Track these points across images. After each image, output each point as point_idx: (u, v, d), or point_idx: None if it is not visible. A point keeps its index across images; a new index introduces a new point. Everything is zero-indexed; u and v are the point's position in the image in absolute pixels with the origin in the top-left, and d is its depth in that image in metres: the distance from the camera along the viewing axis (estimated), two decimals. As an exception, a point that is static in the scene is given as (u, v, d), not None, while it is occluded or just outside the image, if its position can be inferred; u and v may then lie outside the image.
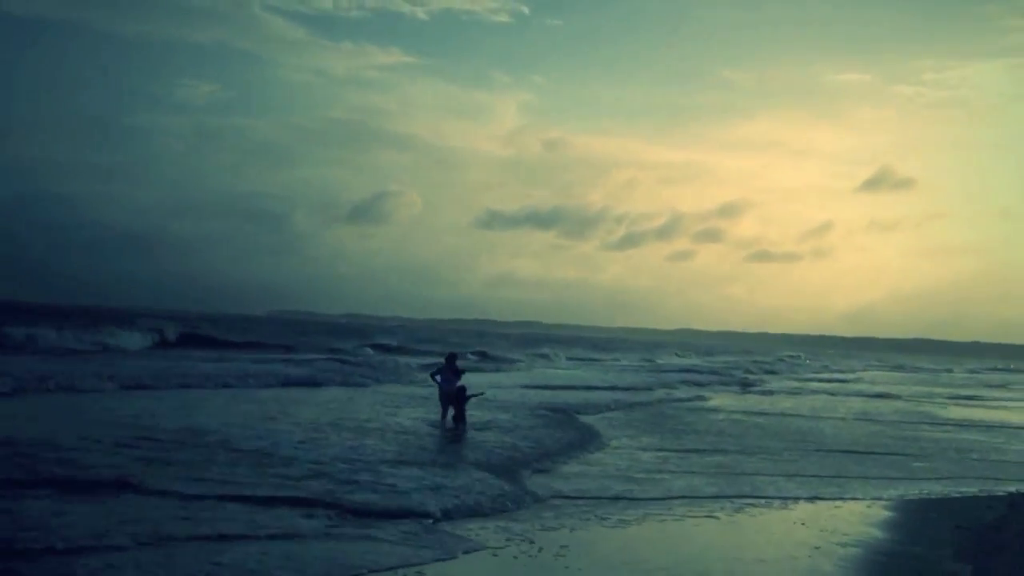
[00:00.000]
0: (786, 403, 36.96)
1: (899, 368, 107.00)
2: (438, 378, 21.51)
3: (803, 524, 12.21)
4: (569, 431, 21.54)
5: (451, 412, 20.81)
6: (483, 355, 63.95)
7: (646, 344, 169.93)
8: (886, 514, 13.33)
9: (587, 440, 20.21)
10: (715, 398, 37.86)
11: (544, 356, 71.56)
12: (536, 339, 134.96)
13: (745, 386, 48.25)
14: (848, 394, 46.08)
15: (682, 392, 39.91)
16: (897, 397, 45.62)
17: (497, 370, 50.59)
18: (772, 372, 69.52)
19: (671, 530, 11.58)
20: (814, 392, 46.22)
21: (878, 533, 11.86)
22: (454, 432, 19.68)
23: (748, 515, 12.74)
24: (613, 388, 38.69)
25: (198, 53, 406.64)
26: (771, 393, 43.66)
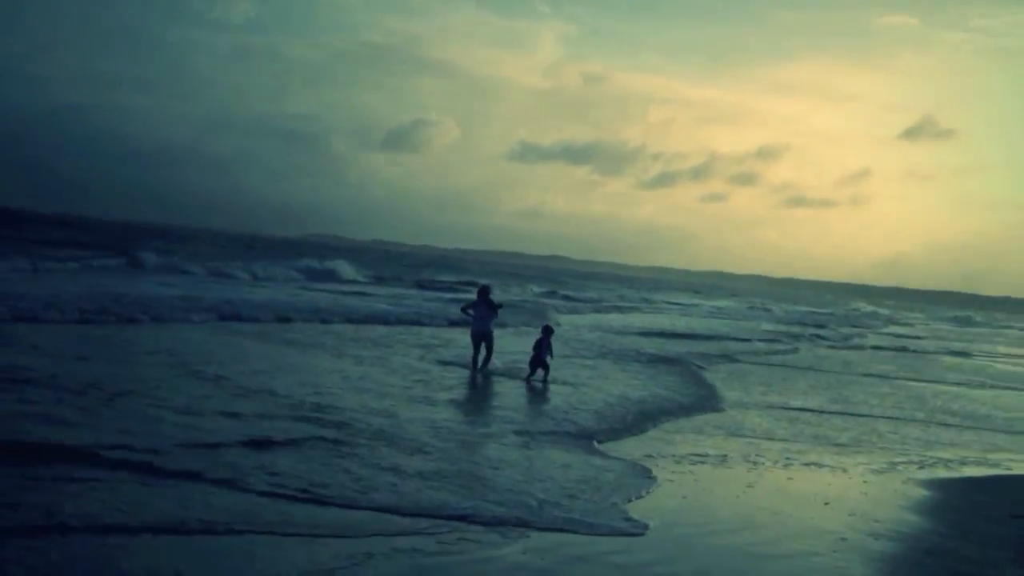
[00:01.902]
0: (887, 365, 33.67)
1: (960, 322, 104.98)
2: (471, 312, 19.11)
3: (827, 504, 10.25)
4: (690, 387, 19.70)
5: (486, 356, 18.69)
6: (553, 293, 63.08)
7: (699, 287, 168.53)
8: (925, 494, 11.35)
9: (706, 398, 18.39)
10: (808, 351, 36.17)
11: (639, 299, 71.27)
12: (598, 277, 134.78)
13: (840, 340, 45.98)
14: (926, 351, 43.75)
15: (780, 345, 37.52)
16: (966, 355, 44.15)
17: (575, 311, 48.25)
18: (855, 326, 65.92)
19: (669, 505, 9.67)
20: (894, 349, 43.35)
21: (918, 521, 9.89)
22: (540, 384, 17.50)
23: (776, 492, 10.80)
24: (716, 338, 36.66)
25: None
26: (863, 348, 41.89)
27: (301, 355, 18.35)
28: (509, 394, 16.23)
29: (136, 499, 7.71)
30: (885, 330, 65.50)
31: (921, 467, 13.10)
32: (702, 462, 11.92)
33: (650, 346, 28.86)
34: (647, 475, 10.77)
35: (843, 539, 8.83)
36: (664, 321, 46.96)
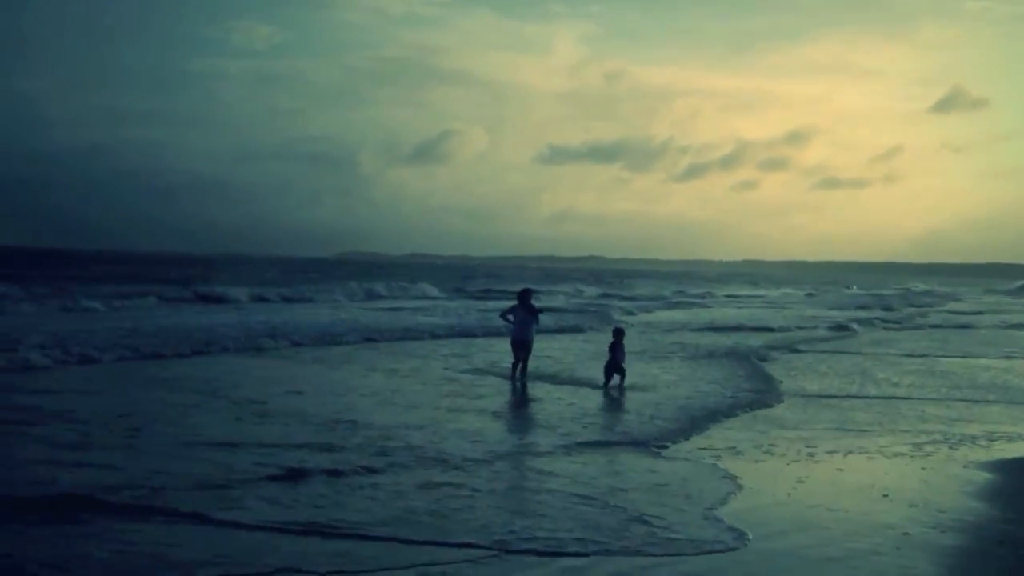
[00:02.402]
0: (952, 344, 32.10)
1: (1014, 294, 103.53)
2: (510, 317, 18.31)
3: (886, 496, 9.74)
4: (750, 381, 19.08)
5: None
6: (607, 295, 64.12)
7: (747, 276, 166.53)
8: (987, 477, 10.81)
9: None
10: (872, 335, 35.48)
11: (703, 294, 73.52)
12: (641, 274, 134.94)
13: (905, 321, 45.10)
14: (995, 327, 42.75)
15: (843, 331, 36.48)
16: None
17: (638, 310, 47.94)
18: (916, 306, 64.07)
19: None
20: (960, 327, 42.25)
21: (984, 508, 9.35)
22: (615, 391, 16.83)
23: (831, 485, 10.30)
24: (777, 328, 35.83)
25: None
26: (923, 328, 40.96)
27: (365, 376, 18.20)
28: (554, 401, 15.66)
29: (162, 547, 7.39)
30: (946, 308, 64.12)
31: (970, 447, 12.55)
32: (766, 457, 11.46)
33: (711, 340, 28.73)
34: (724, 476, 10.35)
35: (906, 534, 8.33)
36: (725, 314, 47.07)
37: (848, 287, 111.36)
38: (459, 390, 16.43)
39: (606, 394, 16.70)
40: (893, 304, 63.30)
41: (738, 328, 35.48)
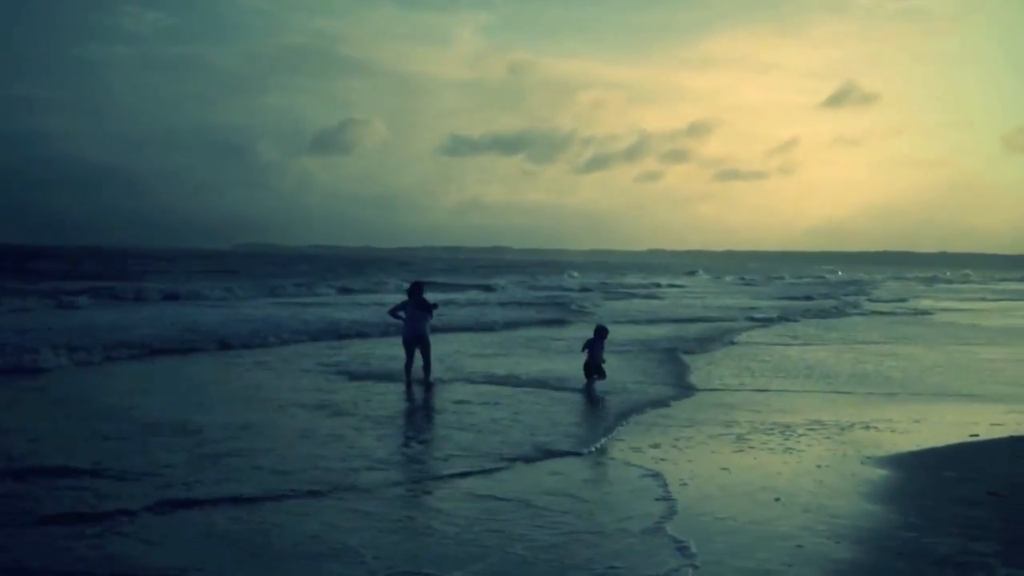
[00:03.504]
0: (877, 332, 31.48)
1: (928, 282, 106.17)
2: (401, 314, 16.77)
3: (778, 500, 8.85)
4: (662, 375, 18.13)
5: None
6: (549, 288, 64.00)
7: (660, 267, 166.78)
8: (884, 474, 10.03)
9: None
10: (799, 325, 34.31)
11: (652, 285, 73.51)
12: (555, 265, 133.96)
13: (833, 311, 44.02)
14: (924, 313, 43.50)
15: (773, 321, 35.42)
16: (929, 313, 44.06)
17: (598, 302, 46.48)
18: (844, 295, 62.84)
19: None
20: (891, 315, 42.38)
21: (883, 512, 8.51)
22: (591, 391, 15.64)
23: (719, 488, 9.35)
24: (709, 319, 34.91)
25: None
26: (847, 315, 41.01)
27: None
28: (457, 409, 13.79)
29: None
30: (873, 296, 64.75)
31: (868, 441, 11.82)
32: (651, 460, 10.48)
33: (649, 333, 27.63)
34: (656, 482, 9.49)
35: (799, 546, 7.41)
36: (667, 305, 45.98)
37: (780, 276, 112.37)
38: (329, 390, 15.17)
39: (589, 397, 15.38)
40: (831, 293, 64.48)
41: (679, 320, 34.51)
